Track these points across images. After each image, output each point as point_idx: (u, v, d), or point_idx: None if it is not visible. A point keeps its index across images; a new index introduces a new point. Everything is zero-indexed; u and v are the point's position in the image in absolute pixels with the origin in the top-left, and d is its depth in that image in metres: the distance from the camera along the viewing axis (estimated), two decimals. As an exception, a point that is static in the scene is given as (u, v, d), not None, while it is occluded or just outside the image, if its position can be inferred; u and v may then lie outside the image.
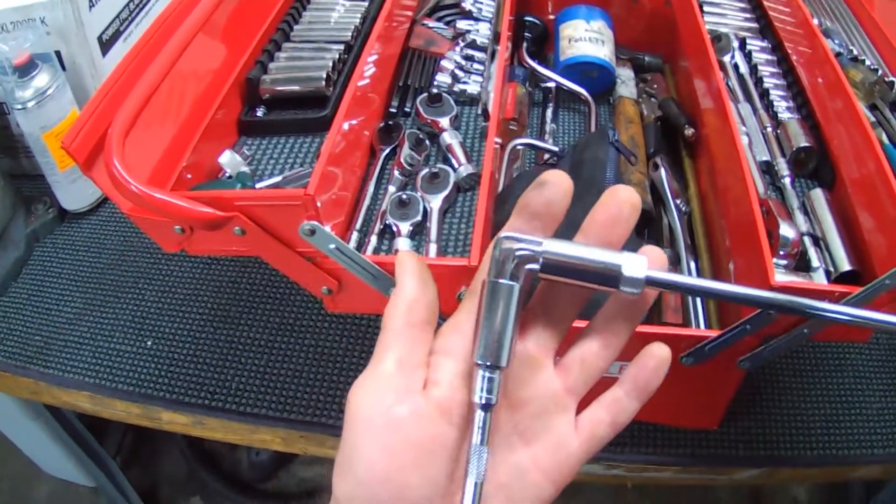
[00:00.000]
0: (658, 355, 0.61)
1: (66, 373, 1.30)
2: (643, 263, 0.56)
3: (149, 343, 1.34)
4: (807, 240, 1.09)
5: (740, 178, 1.02)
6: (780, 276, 0.99)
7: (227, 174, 1.09)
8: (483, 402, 0.56)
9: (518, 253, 0.57)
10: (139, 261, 1.48)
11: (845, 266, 1.03)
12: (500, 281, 0.57)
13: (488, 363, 0.56)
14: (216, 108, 1.12)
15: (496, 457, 0.59)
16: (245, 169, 1.10)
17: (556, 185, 0.57)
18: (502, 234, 0.57)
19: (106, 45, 1.47)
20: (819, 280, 1.04)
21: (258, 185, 1.07)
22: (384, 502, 0.54)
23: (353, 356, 1.31)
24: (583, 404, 0.62)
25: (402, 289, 0.62)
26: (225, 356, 1.31)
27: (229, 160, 1.09)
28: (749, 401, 1.25)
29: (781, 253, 1.05)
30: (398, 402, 0.56)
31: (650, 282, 0.56)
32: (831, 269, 1.05)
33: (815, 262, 1.06)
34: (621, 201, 0.58)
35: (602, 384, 0.63)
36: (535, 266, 0.57)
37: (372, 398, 0.56)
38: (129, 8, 1.54)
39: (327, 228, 0.86)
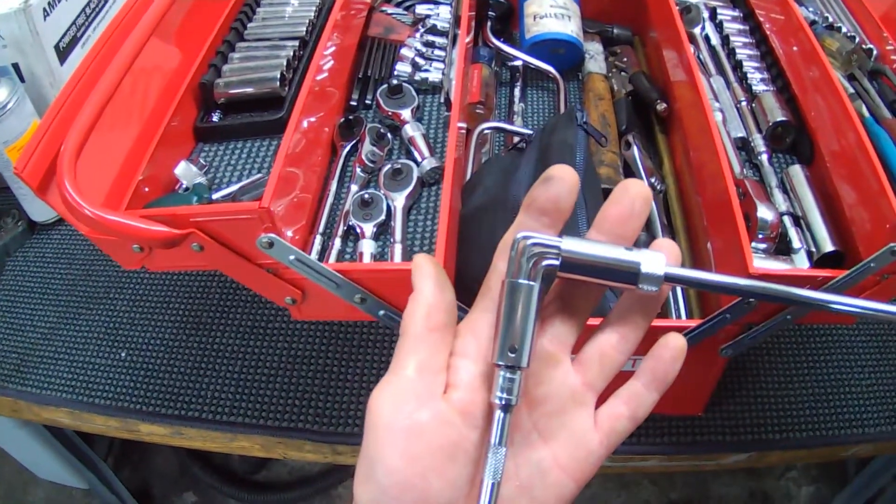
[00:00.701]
0: (674, 346, 0.60)
1: (44, 390, 1.30)
2: (661, 261, 0.56)
3: (123, 354, 1.33)
4: (787, 219, 1.06)
5: (714, 158, 1.00)
6: (760, 262, 0.97)
7: (184, 186, 1.05)
8: (503, 403, 0.56)
9: (537, 252, 0.56)
10: (109, 270, 1.46)
11: (828, 247, 1.01)
12: (520, 281, 0.56)
13: (508, 364, 0.56)
14: (170, 117, 1.08)
15: (517, 457, 0.59)
16: (201, 180, 1.06)
17: (563, 179, 0.56)
18: (520, 233, 0.56)
19: (63, 53, 1.43)
20: (801, 262, 1.02)
21: (215, 196, 1.04)
22: None
23: (326, 359, 1.29)
24: (600, 400, 0.62)
25: (421, 293, 0.61)
26: (199, 364, 1.31)
27: (185, 171, 1.06)
28: (734, 385, 1.24)
29: (760, 236, 1.02)
30: (419, 407, 0.56)
31: (668, 278, 0.56)
32: (813, 249, 1.03)
33: (795, 244, 1.04)
34: (633, 196, 0.57)
35: (618, 379, 0.62)
36: (554, 264, 0.56)
37: (392, 404, 0.56)
38: (84, 13, 1.50)
39: (287, 239, 0.84)
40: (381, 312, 0.91)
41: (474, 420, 0.57)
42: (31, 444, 1.91)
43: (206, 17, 1.24)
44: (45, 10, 1.35)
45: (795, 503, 2.41)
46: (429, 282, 0.61)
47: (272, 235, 0.83)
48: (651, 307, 0.60)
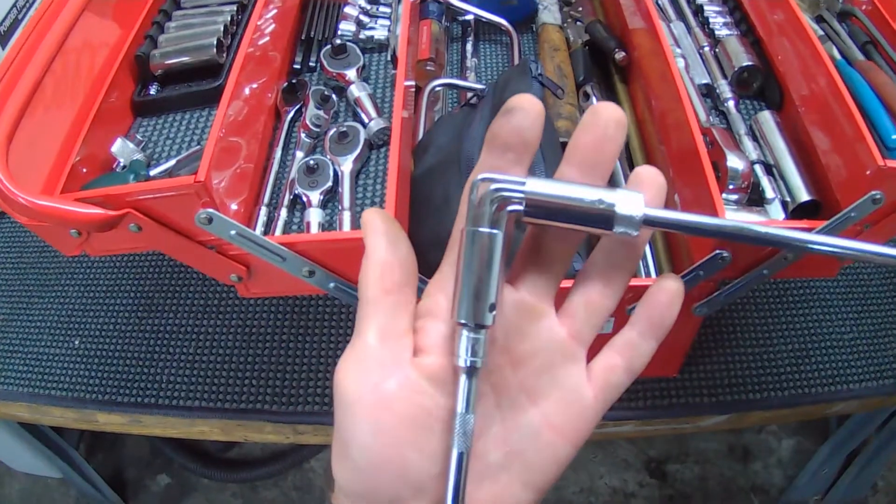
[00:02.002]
0: (670, 288, 0.55)
1: (1, 384, 1.29)
2: (639, 201, 0.50)
3: (76, 342, 1.32)
4: (758, 168, 1.01)
5: (679, 106, 0.95)
6: (732, 214, 0.94)
7: (121, 164, 1.00)
8: (468, 366, 0.51)
9: (497, 195, 0.50)
10: (60, 256, 1.43)
11: (803, 196, 0.96)
12: (480, 229, 0.51)
13: (471, 323, 0.51)
14: (105, 94, 1.03)
15: (505, 421, 0.55)
16: (139, 156, 1.00)
17: (526, 109, 0.51)
18: (479, 175, 0.51)
19: (4, 37, 1.39)
20: (775, 213, 0.98)
21: (153, 173, 0.99)
22: (386, 485, 0.52)
23: (281, 335, 1.27)
24: (590, 354, 0.57)
25: (372, 252, 0.56)
26: (153, 347, 1.28)
27: (121, 148, 1.00)
28: (710, 344, 1.22)
29: (731, 186, 0.97)
30: (385, 377, 0.53)
31: (648, 221, 0.50)
32: (788, 199, 0.98)
33: (769, 193, 0.99)
34: (605, 120, 0.51)
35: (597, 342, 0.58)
36: (519, 209, 0.51)
37: (357, 377, 0.53)
38: None
39: (231, 213, 0.84)
40: (332, 285, 0.87)
41: (447, 386, 0.53)
42: (2, 436, 1.90)
43: None
44: (-17, -9, 1.29)
45: (776, 456, 2.41)
46: (380, 238, 0.57)
47: (211, 210, 0.79)
48: (632, 252, 0.55)
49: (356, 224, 0.95)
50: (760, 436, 2.43)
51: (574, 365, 0.56)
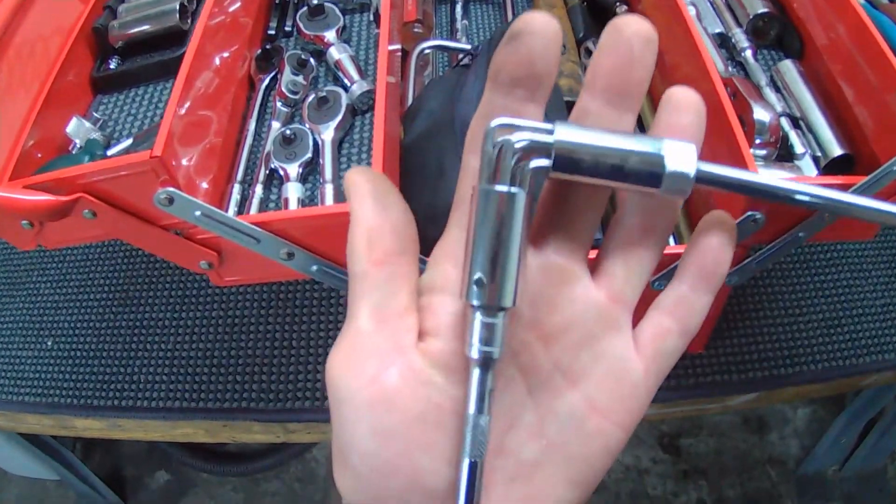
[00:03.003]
0: (721, 229, 0.47)
1: None
2: (691, 154, 0.41)
3: (49, 343, 1.24)
4: (784, 121, 0.94)
5: (696, 56, 0.88)
6: (763, 171, 0.87)
7: (77, 146, 0.93)
8: (481, 357, 0.42)
9: (520, 146, 0.41)
10: (29, 251, 1.38)
11: (836, 150, 0.89)
12: (497, 188, 0.41)
13: (486, 304, 0.42)
14: (60, 70, 0.95)
15: (539, 408, 0.46)
16: (95, 136, 0.92)
17: (536, 32, 0.41)
18: (496, 120, 0.41)
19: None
20: (807, 169, 0.90)
21: (110, 152, 0.91)
22: (395, 495, 0.44)
23: (266, 326, 1.20)
24: (634, 318, 0.48)
25: (357, 218, 0.47)
26: (129, 345, 1.21)
27: (76, 128, 0.92)
28: (737, 315, 1.15)
29: (758, 141, 0.90)
30: (385, 366, 0.44)
31: (701, 179, 0.42)
32: (819, 154, 0.91)
33: (798, 148, 0.92)
34: (630, 35, 0.42)
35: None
36: (545, 163, 0.41)
37: (351, 369, 0.45)
38: None
39: (202, 192, 0.81)
40: (315, 268, 0.79)
41: (461, 374, 0.44)
42: (-4, 441, 1.87)
43: None
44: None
45: (792, 426, 2.37)
46: (366, 200, 0.47)
47: (171, 189, 0.72)
48: (667, 206, 0.46)
49: (340, 198, 0.87)
50: (776, 406, 2.39)
51: (618, 334, 0.47)
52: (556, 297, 0.45)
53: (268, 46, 1.05)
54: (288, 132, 0.91)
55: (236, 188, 0.90)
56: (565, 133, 0.41)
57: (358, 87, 0.96)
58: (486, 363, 0.42)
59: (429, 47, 1.21)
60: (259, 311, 1.20)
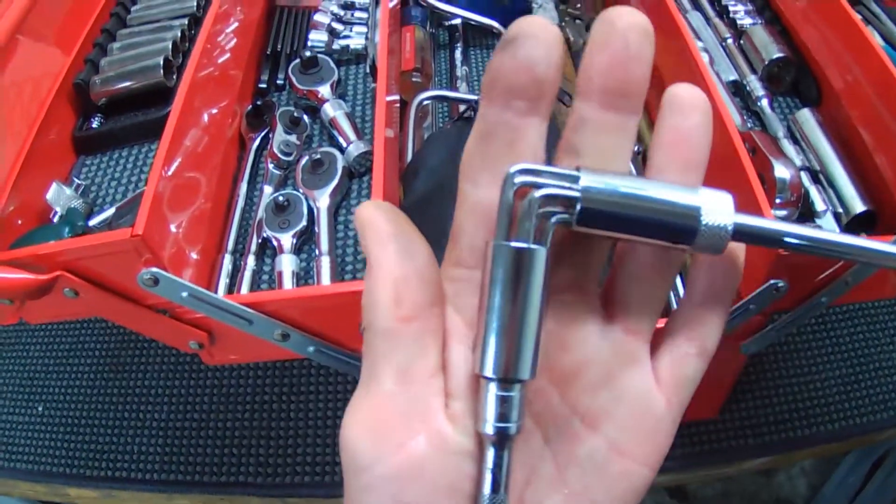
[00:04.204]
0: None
1: None
2: (728, 204, 0.38)
3: (40, 408, 1.21)
4: (805, 176, 0.90)
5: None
6: None
7: (58, 214, 0.89)
8: (494, 433, 0.38)
9: (542, 197, 0.37)
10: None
11: (858, 206, 0.85)
12: (516, 245, 0.37)
13: (503, 377, 0.38)
14: (39, 129, 0.91)
15: (558, 457, 0.43)
16: (76, 204, 0.89)
17: (535, 36, 0.37)
18: (516, 166, 0.37)
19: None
20: (829, 227, 0.86)
21: (92, 223, 0.88)
22: None
23: (262, 396, 1.16)
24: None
25: (379, 266, 0.42)
26: (121, 413, 1.18)
27: (56, 195, 0.88)
28: (752, 377, 1.12)
29: (779, 201, 0.86)
30: (412, 433, 0.40)
31: (739, 233, 0.39)
32: (840, 210, 0.87)
33: (819, 205, 0.88)
34: (623, 28, 0.38)
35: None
36: (567, 217, 0.38)
37: (373, 435, 0.40)
38: None
39: (190, 263, 0.78)
40: (311, 349, 0.76)
41: None
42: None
43: (83, 6, 1.07)
44: None
45: (799, 466, 2.32)
46: (388, 246, 0.42)
47: (155, 270, 0.69)
48: None
49: (337, 273, 0.84)
50: (785, 448, 2.36)
51: (637, 368, 0.43)
52: (567, 336, 0.42)
53: (259, 102, 1.02)
54: (281, 199, 0.87)
55: (227, 259, 0.86)
56: (593, 180, 0.37)
57: (354, 149, 0.92)
58: (502, 440, 0.38)
59: (428, 98, 1.18)
60: (255, 381, 1.17)
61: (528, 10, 1.38)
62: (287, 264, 0.84)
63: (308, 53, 1.03)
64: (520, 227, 0.37)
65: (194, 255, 0.80)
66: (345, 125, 0.95)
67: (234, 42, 1.00)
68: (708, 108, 0.41)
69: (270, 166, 0.93)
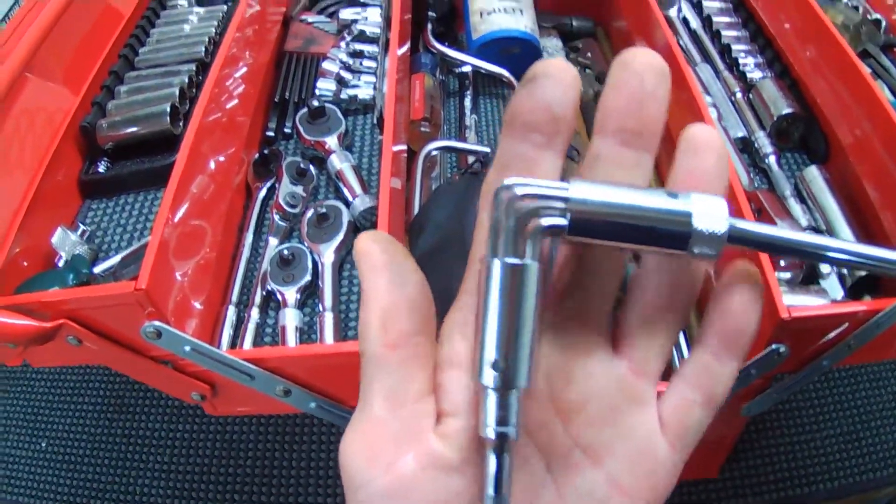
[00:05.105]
0: (745, 288, 0.43)
1: None
2: (721, 210, 0.38)
3: (43, 444, 1.19)
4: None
5: None
6: (790, 299, 0.82)
7: (63, 258, 0.88)
8: (496, 437, 0.39)
9: (528, 209, 0.37)
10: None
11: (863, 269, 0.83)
12: (508, 261, 0.38)
13: (499, 386, 0.38)
14: (46, 171, 0.91)
15: (560, 487, 0.44)
16: (81, 250, 0.88)
17: (553, 76, 0.38)
18: (507, 180, 0.38)
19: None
20: (833, 291, 0.86)
21: (97, 270, 0.87)
22: None
23: (265, 443, 1.13)
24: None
25: (370, 295, 0.44)
26: (124, 454, 1.15)
27: (61, 240, 0.88)
28: (752, 435, 1.10)
29: (783, 263, 0.86)
30: (400, 453, 0.42)
31: (734, 238, 0.38)
32: (844, 271, 0.87)
33: (824, 268, 0.88)
34: (639, 69, 0.40)
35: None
36: (561, 223, 0.38)
37: (365, 455, 0.42)
38: None
39: (192, 313, 0.77)
40: (313, 405, 0.75)
41: (481, 453, 0.41)
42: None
43: (93, 45, 1.07)
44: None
45: None
46: (380, 275, 0.44)
47: (158, 324, 0.68)
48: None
49: (340, 330, 0.84)
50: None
51: (641, 408, 0.44)
52: (573, 370, 0.43)
53: (266, 151, 1.02)
54: (286, 252, 0.87)
55: (231, 310, 0.86)
56: (581, 190, 0.37)
57: (360, 203, 0.92)
58: (503, 444, 0.39)
59: (436, 149, 1.16)
60: (258, 429, 1.16)
61: (538, 59, 1.36)
62: (290, 319, 0.83)
63: (316, 103, 1.03)
64: (511, 242, 0.37)
65: (198, 306, 0.80)
66: (351, 178, 0.95)
67: (242, 88, 1.00)
68: (724, 149, 0.41)
69: (276, 218, 0.93)
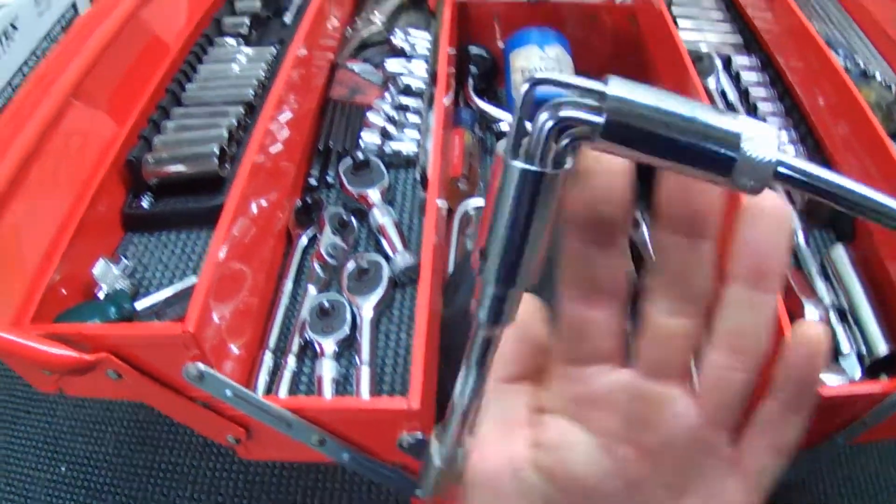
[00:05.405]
0: (810, 336, 0.44)
1: None
2: (773, 136, 0.34)
3: (62, 469, 1.19)
4: (833, 316, 0.90)
5: None
6: None
7: (103, 290, 0.88)
8: (486, 320, 0.39)
9: (565, 115, 0.34)
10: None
11: (881, 348, 0.85)
12: (530, 168, 0.35)
13: (499, 292, 0.39)
14: (90, 202, 0.91)
15: None
16: (123, 284, 0.89)
17: (603, 173, 0.39)
18: (535, 75, 0.34)
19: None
20: (852, 370, 0.86)
21: (140, 306, 0.87)
22: None
23: (288, 488, 1.14)
24: None
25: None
26: (144, 486, 1.16)
27: (103, 272, 0.88)
28: None
29: None
30: (499, 466, 0.48)
31: (782, 174, 0.34)
32: (864, 351, 0.87)
33: (844, 347, 0.87)
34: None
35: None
36: (594, 121, 0.34)
37: (475, 466, 0.48)
38: (22, 72, 1.36)
39: (231, 358, 0.78)
40: (346, 456, 0.76)
41: (562, 483, 0.46)
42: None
43: (141, 76, 1.08)
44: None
45: None
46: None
47: (202, 366, 0.70)
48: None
49: (376, 383, 0.85)
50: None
51: (717, 457, 0.46)
52: (651, 418, 0.45)
53: (308, 199, 1.03)
54: (326, 304, 0.88)
55: (268, 356, 0.87)
56: (621, 88, 0.34)
57: (401, 260, 0.93)
58: (494, 326, 0.40)
59: (474, 207, 1.17)
60: (281, 472, 1.16)
61: None
62: (328, 370, 0.84)
63: (361, 155, 1.05)
64: (537, 148, 0.35)
65: (235, 349, 0.80)
66: (392, 234, 0.96)
67: (287, 134, 1.01)
68: (788, 217, 0.42)
69: (316, 267, 0.94)
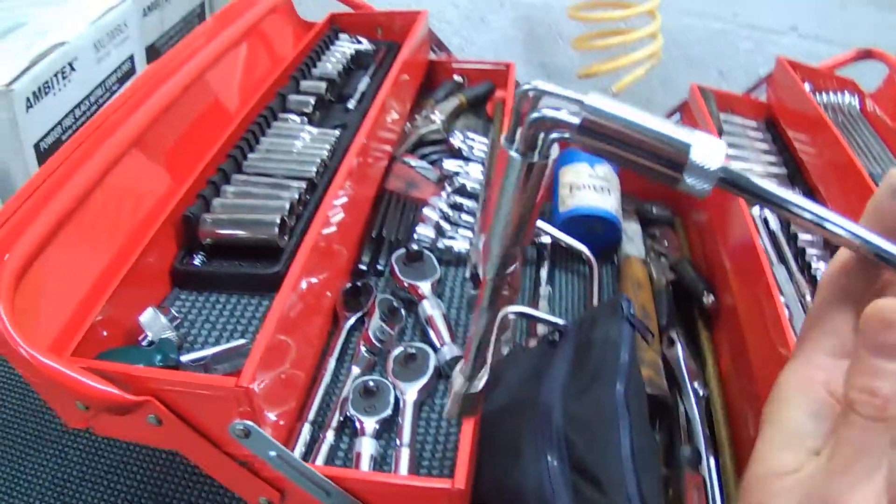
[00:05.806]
0: None
1: None
2: (721, 150, 0.43)
3: None
4: None
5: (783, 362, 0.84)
6: None
7: (148, 339, 0.89)
8: (495, 273, 0.56)
9: (548, 119, 0.46)
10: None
11: None
12: (516, 154, 0.48)
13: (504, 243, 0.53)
14: (143, 251, 0.92)
15: None
16: (170, 335, 0.89)
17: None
18: (531, 84, 0.46)
19: (44, 155, 1.28)
20: None
21: (185, 359, 0.88)
22: None
23: None
24: None
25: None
26: None
27: (151, 321, 0.89)
28: None
29: None
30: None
31: (725, 180, 0.44)
32: None
33: None
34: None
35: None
36: (572, 125, 0.45)
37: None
38: (74, 115, 1.37)
39: (270, 424, 0.76)
40: None
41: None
42: None
43: (201, 137, 1.10)
44: (28, 99, 1.22)
45: None
46: None
47: (250, 423, 0.71)
48: None
49: (415, 465, 0.85)
50: None
51: None
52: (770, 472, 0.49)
53: (357, 283, 1.04)
54: (371, 384, 0.89)
55: (306, 428, 0.87)
56: (596, 101, 0.44)
57: (448, 351, 0.94)
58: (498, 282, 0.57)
59: (514, 313, 1.16)
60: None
61: (617, 242, 1.38)
62: (367, 447, 0.84)
63: (415, 247, 1.07)
64: (529, 139, 0.46)
65: (273, 417, 0.80)
66: (441, 326, 0.98)
67: (342, 217, 1.02)
68: None
69: (362, 349, 0.95)
